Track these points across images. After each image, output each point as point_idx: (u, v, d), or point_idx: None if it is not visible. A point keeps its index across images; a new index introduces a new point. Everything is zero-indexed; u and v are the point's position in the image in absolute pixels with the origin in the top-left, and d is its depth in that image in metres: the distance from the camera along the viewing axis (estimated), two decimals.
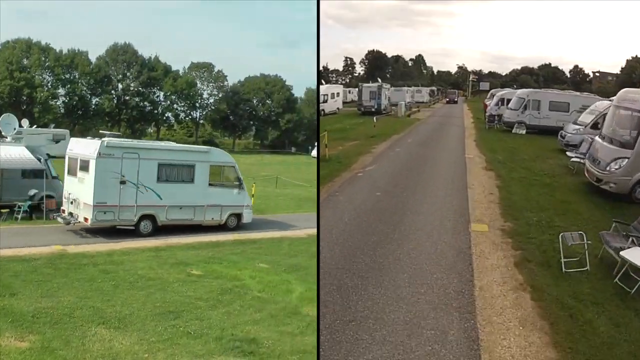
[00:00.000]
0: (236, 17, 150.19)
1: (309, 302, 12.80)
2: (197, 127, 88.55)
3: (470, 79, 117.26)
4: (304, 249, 18.90)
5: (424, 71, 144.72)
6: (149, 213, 20.11)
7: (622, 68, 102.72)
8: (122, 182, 19.41)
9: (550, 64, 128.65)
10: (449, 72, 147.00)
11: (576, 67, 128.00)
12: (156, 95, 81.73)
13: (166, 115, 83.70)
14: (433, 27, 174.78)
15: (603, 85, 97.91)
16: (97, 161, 19.02)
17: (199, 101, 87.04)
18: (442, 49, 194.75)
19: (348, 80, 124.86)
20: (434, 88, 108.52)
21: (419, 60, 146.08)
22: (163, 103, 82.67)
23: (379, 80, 65.92)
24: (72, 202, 19.98)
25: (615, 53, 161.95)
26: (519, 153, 28.31)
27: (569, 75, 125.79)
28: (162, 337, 10.32)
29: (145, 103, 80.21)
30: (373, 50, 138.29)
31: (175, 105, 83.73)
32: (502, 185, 19.61)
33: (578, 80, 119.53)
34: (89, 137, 21.53)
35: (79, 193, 19.73)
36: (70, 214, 20.02)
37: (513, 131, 39.53)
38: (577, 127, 29.69)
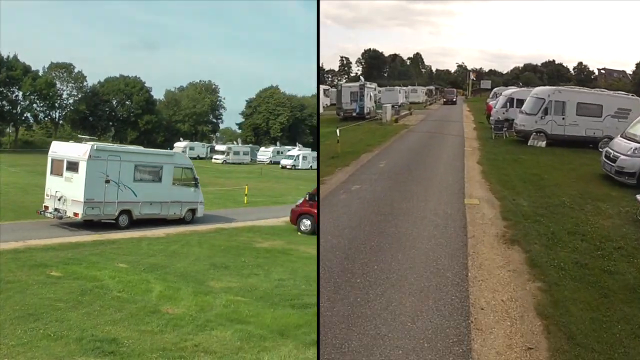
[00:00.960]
0: (95, 19, 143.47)
1: (168, 301, 12.60)
2: (57, 128, 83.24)
3: (471, 77, 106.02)
4: (163, 249, 18.49)
5: (422, 70, 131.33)
6: (127, 208, 21.84)
7: (637, 64, 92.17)
8: (107, 182, 20.91)
9: (554, 60, 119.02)
10: (448, 71, 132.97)
11: (580, 64, 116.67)
12: (15, 94, 75.81)
13: (25, 115, 78.02)
14: (432, 27, 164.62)
15: (614, 82, 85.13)
16: (87, 162, 20.42)
17: (59, 101, 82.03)
18: (441, 48, 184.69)
19: (344, 81, 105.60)
20: (431, 87, 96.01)
21: (417, 59, 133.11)
22: (22, 103, 76.87)
23: (362, 78, 53.43)
24: (59, 199, 20.78)
25: (615, 51, 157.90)
26: (552, 189, 17.33)
27: (573, 73, 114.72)
28: (21, 340, 9.64)
29: (4, 102, 74.19)
30: (370, 49, 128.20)
31: (34, 105, 78.26)
32: (548, 297, 8.61)
33: (583, 77, 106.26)
34: (72, 141, 23.51)
35: (66, 191, 20.76)
36: (57, 210, 20.84)
37: (529, 143, 28.84)
38: (633, 144, 18.68)
